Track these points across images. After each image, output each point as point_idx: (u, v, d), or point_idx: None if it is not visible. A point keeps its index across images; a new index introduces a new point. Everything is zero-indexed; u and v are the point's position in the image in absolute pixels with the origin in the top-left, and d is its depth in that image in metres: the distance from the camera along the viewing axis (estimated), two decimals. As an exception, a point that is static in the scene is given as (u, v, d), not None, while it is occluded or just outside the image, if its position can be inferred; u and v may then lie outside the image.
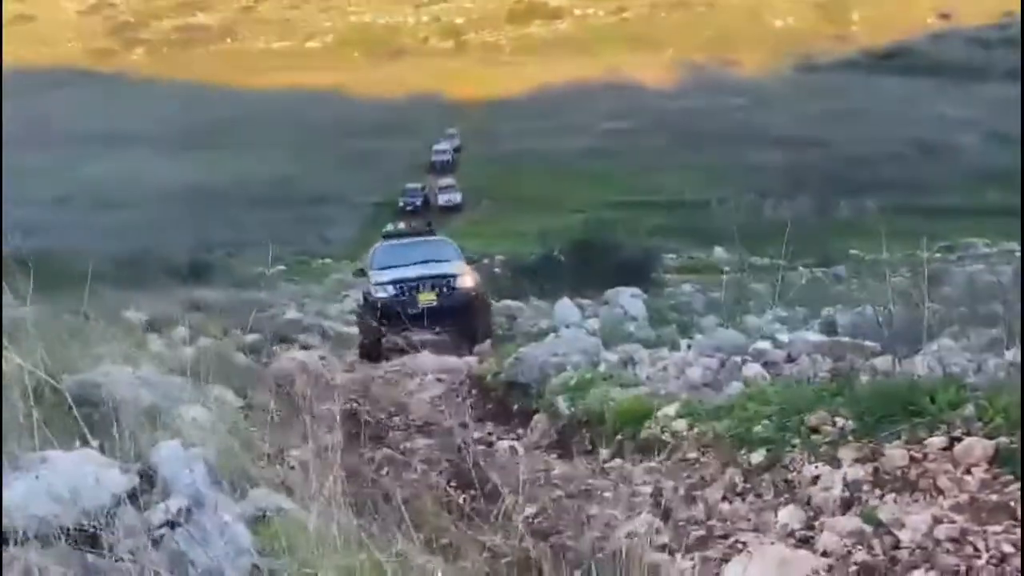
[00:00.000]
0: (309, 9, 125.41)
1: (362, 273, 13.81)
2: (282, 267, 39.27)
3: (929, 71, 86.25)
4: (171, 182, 55.51)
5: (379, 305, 11.85)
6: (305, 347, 12.42)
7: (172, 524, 2.53)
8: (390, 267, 12.78)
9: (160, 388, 6.80)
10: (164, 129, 71.14)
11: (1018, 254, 26.63)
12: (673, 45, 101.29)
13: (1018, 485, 3.50)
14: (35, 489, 2.32)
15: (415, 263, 12.64)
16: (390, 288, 12.11)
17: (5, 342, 4.99)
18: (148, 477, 2.75)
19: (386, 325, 11.07)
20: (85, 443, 3.73)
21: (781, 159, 56.81)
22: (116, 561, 2.37)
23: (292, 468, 5.22)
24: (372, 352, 11.51)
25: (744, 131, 64.96)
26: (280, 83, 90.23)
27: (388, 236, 15.83)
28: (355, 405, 7.89)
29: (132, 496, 2.62)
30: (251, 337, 12.10)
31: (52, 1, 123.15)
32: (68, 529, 2.38)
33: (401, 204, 51.50)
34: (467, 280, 12.35)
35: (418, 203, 51.91)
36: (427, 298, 11.93)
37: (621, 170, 58.08)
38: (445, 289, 12.08)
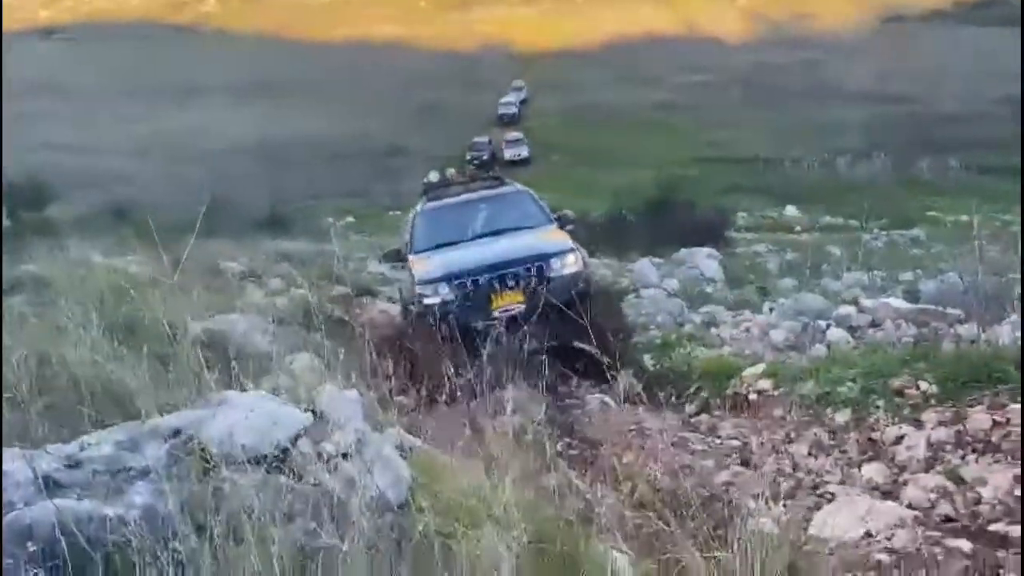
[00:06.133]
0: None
1: (397, 256, 8.43)
2: (351, 219, 40.12)
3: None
4: (243, 136, 56.77)
5: (431, 320, 6.74)
6: (392, 299, 12.73)
7: (344, 455, 2.97)
8: (440, 247, 7.87)
9: (270, 335, 7.42)
10: (235, 81, 72.50)
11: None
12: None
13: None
14: (240, 423, 2.78)
15: (480, 236, 7.96)
16: (444, 289, 7.19)
17: (133, 294, 5.54)
18: (316, 415, 3.19)
19: (445, 351, 5.88)
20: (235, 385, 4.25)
21: (859, 116, 55.04)
22: (300, 484, 2.83)
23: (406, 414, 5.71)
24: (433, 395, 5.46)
25: (821, 87, 63.02)
26: (348, 35, 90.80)
27: (431, 190, 9.69)
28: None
29: (306, 431, 3.07)
30: (338, 290, 12.70)
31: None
32: (262, 457, 2.84)
33: (468, 158, 51.75)
34: (569, 260, 7.23)
35: (486, 156, 52.06)
36: (507, 300, 7.05)
37: (694, 125, 57.13)
38: (535, 281, 7.01)
